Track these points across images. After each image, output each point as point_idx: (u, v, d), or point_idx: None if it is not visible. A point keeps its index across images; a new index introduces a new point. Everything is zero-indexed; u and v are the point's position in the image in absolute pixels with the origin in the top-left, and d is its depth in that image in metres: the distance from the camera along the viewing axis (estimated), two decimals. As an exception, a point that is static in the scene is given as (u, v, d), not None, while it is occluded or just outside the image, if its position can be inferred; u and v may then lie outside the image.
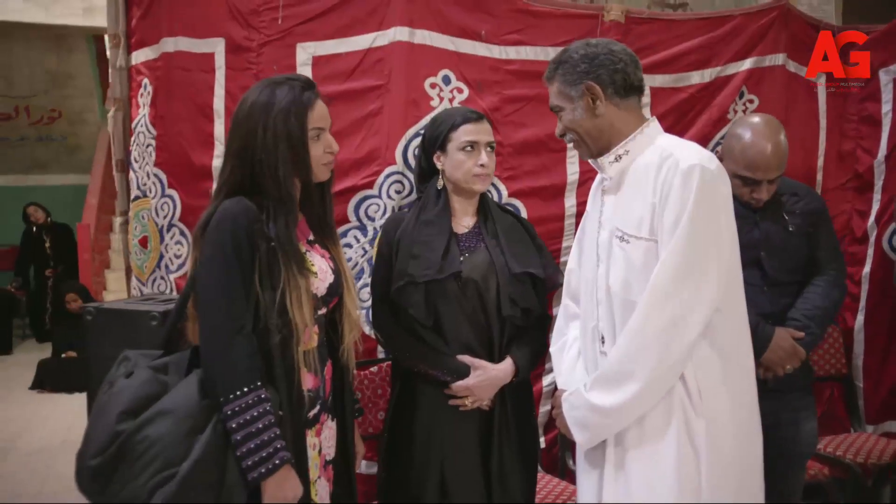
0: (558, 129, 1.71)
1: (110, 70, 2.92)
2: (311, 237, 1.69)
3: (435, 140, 1.98)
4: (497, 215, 2.02)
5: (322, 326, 1.67)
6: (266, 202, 1.56)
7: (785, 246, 2.19)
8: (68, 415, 4.87)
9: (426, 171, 2.04)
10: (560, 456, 2.61)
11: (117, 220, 3.03)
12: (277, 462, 1.44)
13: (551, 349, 1.85)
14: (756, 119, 2.16)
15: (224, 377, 1.45)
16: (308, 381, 1.60)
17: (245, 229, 1.50)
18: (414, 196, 2.40)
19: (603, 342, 1.64)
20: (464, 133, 1.94)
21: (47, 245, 7.04)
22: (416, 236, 1.91)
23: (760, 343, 2.00)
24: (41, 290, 6.93)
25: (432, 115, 2.45)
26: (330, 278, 1.65)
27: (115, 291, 6.90)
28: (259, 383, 1.46)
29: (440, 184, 1.97)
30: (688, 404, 1.52)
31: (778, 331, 2.12)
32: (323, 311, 1.66)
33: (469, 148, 1.94)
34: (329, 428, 1.71)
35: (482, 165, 1.93)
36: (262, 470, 1.43)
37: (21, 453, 4.12)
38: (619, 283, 1.59)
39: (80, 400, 5.12)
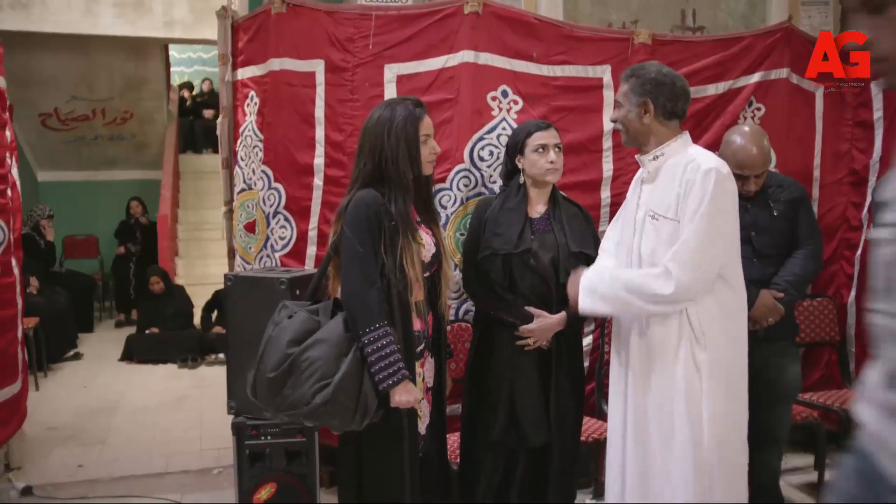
0: (612, 115, 2.22)
1: (219, 84, 3.49)
2: (419, 219, 2.19)
3: (515, 146, 2.48)
4: (563, 205, 2.49)
5: (426, 285, 2.19)
6: (388, 189, 2.07)
7: (770, 227, 2.67)
8: (159, 381, 5.40)
9: (510, 171, 2.53)
10: (597, 402, 3.12)
11: (222, 209, 3.54)
12: (400, 376, 1.97)
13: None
14: (745, 129, 2.67)
15: (362, 317, 1.97)
16: (416, 324, 2.13)
17: (374, 211, 2.02)
18: (479, 189, 2.95)
19: None
20: (535, 139, 2.42)
21: (138, 235, 7.60)
22: (500, 219, 2.42)
23: (748, 302, 2.38)
24: (125, 273, 7.52)
25: (493, 122, 2.98)
26: (432, 249, 2.16)
27: (183, 276, 7.48)
28: (385, 322, 1.98)
29: (522, 179, 2.47)
30: (693, 341, 2.02)
31: (762, 292, 2.62)
32: (427, 274, 2.17)
33: (540, 150, 2.41)
34: (429, 362, 2.22)
35: (551, 162, 2.41)
36: (391, 381, 1.96)
37: (126, 411, 4.62)
38: (648, 251, 2.09)
39: (165, 369, 5.76)
